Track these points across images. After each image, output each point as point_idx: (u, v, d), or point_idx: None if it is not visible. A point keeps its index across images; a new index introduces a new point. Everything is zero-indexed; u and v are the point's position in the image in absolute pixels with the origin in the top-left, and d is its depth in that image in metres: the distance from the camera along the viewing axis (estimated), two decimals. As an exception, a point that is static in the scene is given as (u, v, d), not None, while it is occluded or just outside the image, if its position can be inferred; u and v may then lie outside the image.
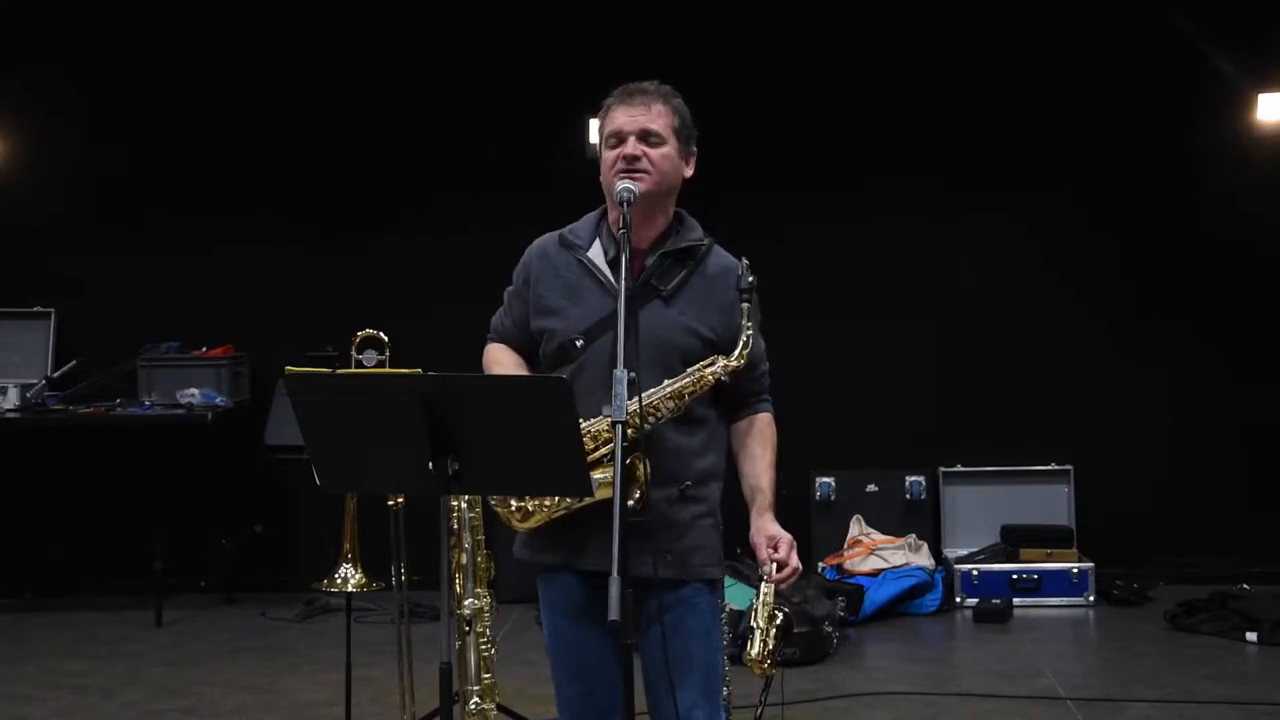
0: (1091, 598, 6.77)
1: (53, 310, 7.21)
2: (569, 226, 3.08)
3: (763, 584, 2.96)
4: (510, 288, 3.14)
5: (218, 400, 6.84)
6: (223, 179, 7.30)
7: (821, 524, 7.08)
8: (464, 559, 3.66)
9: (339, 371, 3.72)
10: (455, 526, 3.66)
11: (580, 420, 2.79)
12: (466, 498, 3.62)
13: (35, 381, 6.92)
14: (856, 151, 7.16)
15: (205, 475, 7.01)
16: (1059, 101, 7.14)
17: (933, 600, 6.71)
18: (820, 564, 6.85)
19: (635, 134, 2.92)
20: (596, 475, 2.76)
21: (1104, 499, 7.05)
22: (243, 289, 7.34)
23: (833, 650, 5.91)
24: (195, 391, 6.82)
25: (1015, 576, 6.79)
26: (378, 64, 7.27)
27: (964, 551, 7.04)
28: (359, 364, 4.80)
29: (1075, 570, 6.80)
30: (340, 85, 7.29)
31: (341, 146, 7.31)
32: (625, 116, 2.94)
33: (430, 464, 2.63)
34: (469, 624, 3.66)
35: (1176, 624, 6.28)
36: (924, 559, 6.86)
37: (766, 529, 2.98)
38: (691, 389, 2.90)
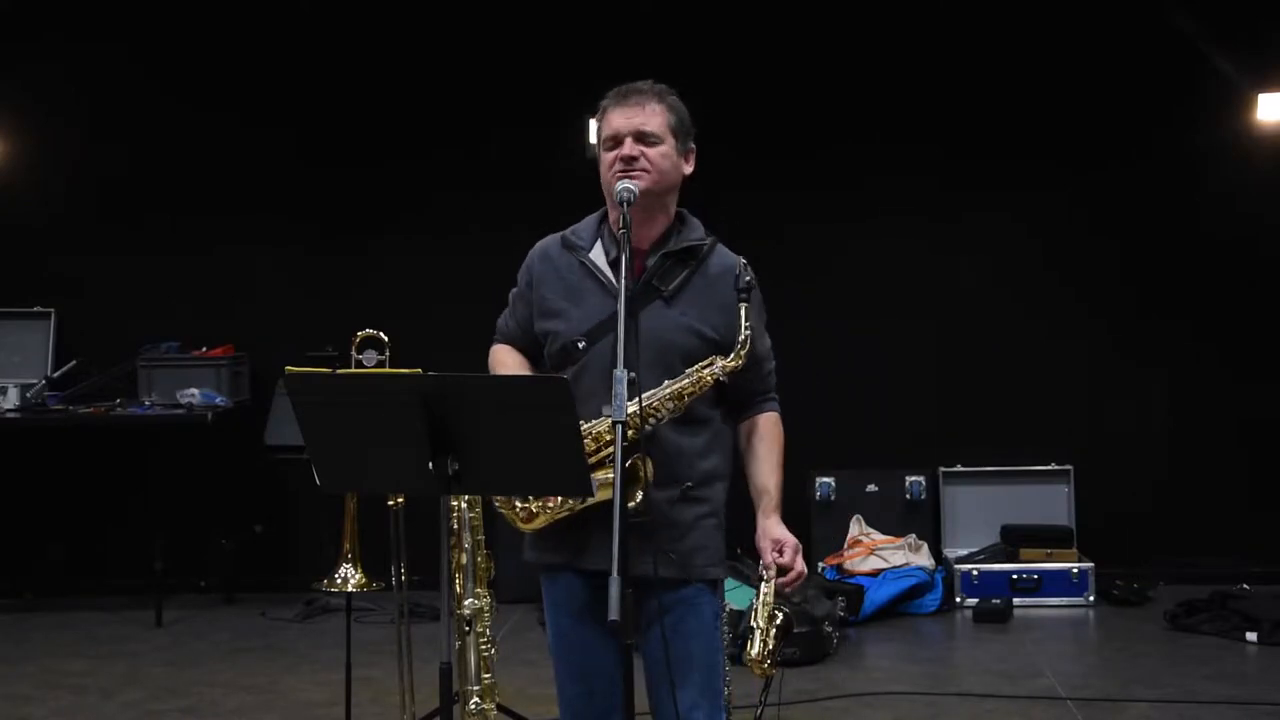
0: (1091, 598, 6.77)
1: (53, 310, 7.22)
2: (571, 228, 3.08)
3: (763, 584, 2.96)
4: (514, 289, 3.14)
5: (218, 400, 6.84)
6: (223, 179, 7.30)
7: (821, 524, 7.08)
8: (464, 559, 3.66)
9: (339, 371, 3.72)
10: (455, 526, 3.66)
11: (582, 421, 2.80)
12: (466, 498, 3.62)
13: (35, 381, 6.92)
14: (856, 151, 7.16)
15: (205, 475, 7.01)
16: (1059, 101, 7.14)
17: (933, 600, 6.71)
18: (820, 564, 6.85)
19: (631, 135, 2.93)
20: (599, 476, 2.76)
21: (1104, 499, 7.05)
22: (243, 289, 7.34)
23: (833, 650, 5.91)
24: (195, 391, 6.82)
25: (1015, 576, 6.79)
26: (378, 64, 7.27)
27: (964, 551, 7.04)
28: (359, 364, 4.80)
29: (1075, 570, 6.80)
30: (340, 85, 7.29)
31: (341, 146, 7.31)
32: (621, 118, 2.95)
33: (430, 464, 2.63)
34: (469, 624, 3.66)
35: (1176, 624, 6.28)
36: (924, 559, 6.86)
37: (771, 531, 2.98)
38: (691, 390, 2.89)
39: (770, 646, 2.95)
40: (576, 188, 3.68)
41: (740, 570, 5.69)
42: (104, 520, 7.25)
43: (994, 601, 6.63)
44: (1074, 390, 7.26)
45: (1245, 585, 6.43)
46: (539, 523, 2.93)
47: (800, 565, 2.97)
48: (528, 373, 3.08)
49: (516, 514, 2.94)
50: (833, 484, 7.16)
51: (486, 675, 3.69)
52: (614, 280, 2.88)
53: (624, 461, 2.61)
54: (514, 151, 7.17)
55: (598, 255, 3.00)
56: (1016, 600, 6.70)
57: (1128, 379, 7.24)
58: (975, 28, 7.10)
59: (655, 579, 2.83)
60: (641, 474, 2.79)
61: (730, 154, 6.28)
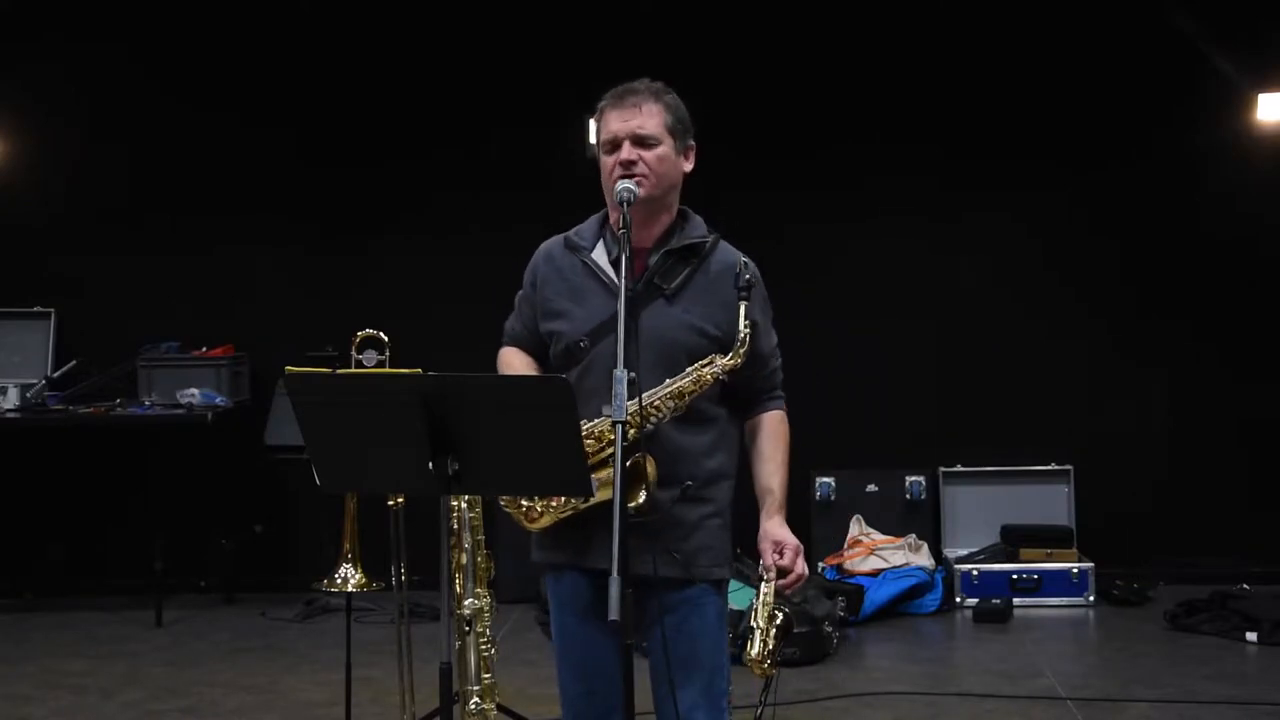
0: (1091, 598, 6.77)
1: (53, 310, 7.21)
2: (575, 229, 3.08)
3: (763, 584, 2.96)
4: (520, 292, 3.15)
5: (218, 400, 6.84)
6: (223, 179, 7.30)
7: (821, 524, 7.08)
8: (464, 559, 3.66)
9: (339, 371, 3.72)
10: (455, 526, 3.66)
11: (586, 421, 2.81)
12: (466, 498, 3.62)
13: (35, 381, 6.92)
14: (856, 151, 7.16)
15: (205, 475, 7.01)
16: (1059, 101, 7.14)
17: (933, 600, 6.71)
18: (820, 564, 6.85)
19: (629, 139, 2.93)
20: (601, 475, 2.76)
21: (1104, 499, 7.05)
22: (243, 289, 7.35)
23: (833, 650, 5.91)
24: (195, 391, 6.82)
25: (1015, 576, 6.79)
26: (378, 64, 7.27)
27: (964, 551, 7.04)
28: (359, 364, 4.80)
29: (1075, 570, 6.80)
30: (340, 85, 7.29)
31: (341, 146, 7.31)
32: (618, 122, 2.95)
33: (430, 464, 2.63)
34: (469, 624, 3.66)
35: (1176, 624, 6.28)
36: (924, 559, 6.86)
37: (773, 533, 2.97)
38: (691, 389, 2.89)
39: (770, 646, 2.95)
40: (576, 188, 3.68)
41: (741, 570, 5.68)
42: (104, 520, 7.25)
43: (994, 601, 6.63)
44: (1074, 390, 7.26)
45: (1245, 585, 6.43)
46: (544, 522, 2.93)
47: (800, 568, 2.96)
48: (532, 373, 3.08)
49: (522, 514, 2.94)
50: (833, 484, 7.16)
51: (486, 675, 3.68)
52: (616, 280, 2.87)
53: (627, 460, 2.62)
54: (514, 151, 7.17)
55: (600, 255, 3.00)
56: (1016, 600, 6.70)
57: (1128, 379, 7.23)
58: (975, 28, 7.10)
59: (659, 579, 2.84)
60: (646, 473, 2.79)
61: (730, 154, 6.28)
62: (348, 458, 2.76)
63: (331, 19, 7.22)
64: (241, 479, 6.98)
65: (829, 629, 5.90)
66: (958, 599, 6.77)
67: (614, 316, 2.77)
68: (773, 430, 3.06)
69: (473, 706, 3.65)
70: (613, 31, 6.90)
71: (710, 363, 2.90)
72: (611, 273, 2.94)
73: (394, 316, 5.52)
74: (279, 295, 7.33)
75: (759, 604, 2.96)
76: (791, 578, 2.95)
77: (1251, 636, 6.03)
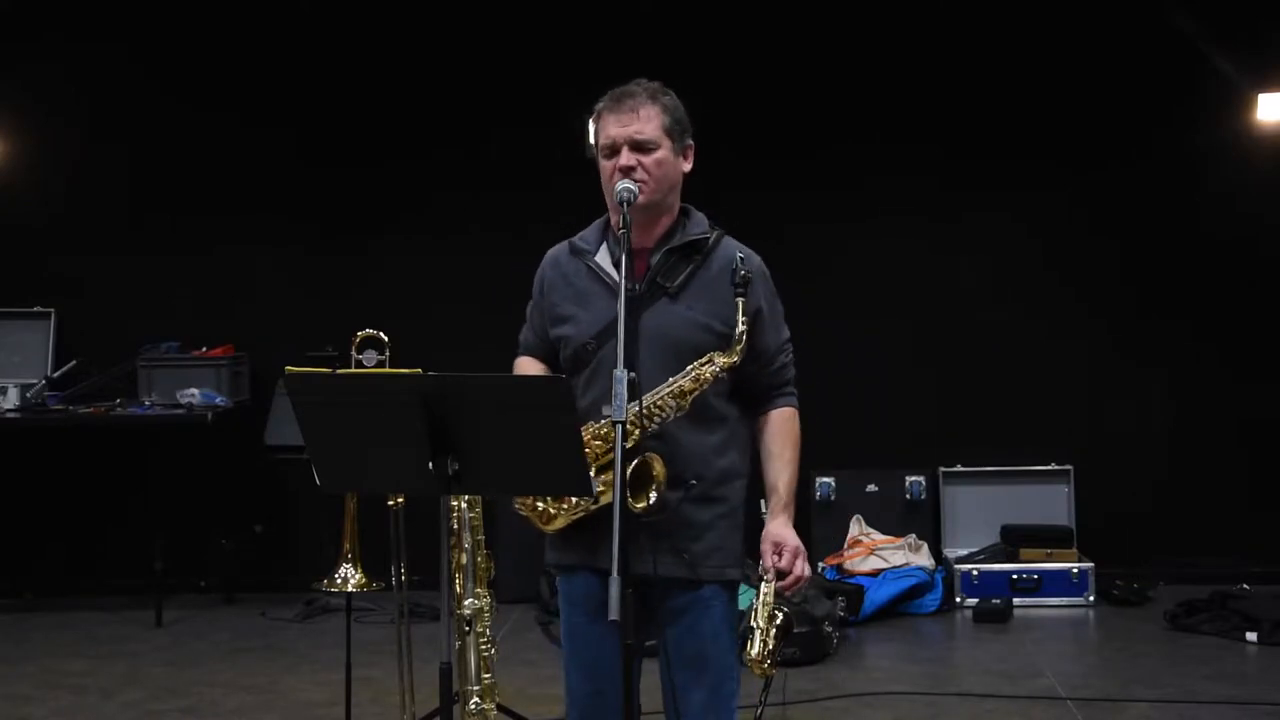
0: (1091, 598, 6.77)
1: (53, 310, 7.22)
2: (580, 234, 3.09)
3: (763, 584, 2.96)
4: (530, 302, 3.15)
5: (218, 400, 6.84)
6: (223, 179, 7.30)
7: (821, 524, 7.08)
8: (464, 559, 3.66)
9: (339, 371, 3.73)
10: (455, 526, 3.66)
11: (594, 423, 2.83)
12: (466, 498, 3.62)
13: (35, 381, 6.92)
14: (856, 151, 7.16)
15: (205, 475, 7.01)
16: (1059, 101, 7.14)
17: (933, 600, 6.71)
18: (820, 564, 6.85)
19: (627, 144, 2.92)
20: (608, 476, 2.75)
21: (1104, 499, 7.05)
22: (243, 289, 7.35)
23: (833, 650, 5.91)
24: (195, 391, 6.82)
25: (1015, 576, 6.79)
26: (378, 64, 7.27)
27: (964, 551, 7.04)
28: (359, 364, 4.80)
29: (1075, 570, 6.80)
30: (340, 85, 7.29)
31: (341, 146, 7.31)
32: (616, 126, 2.94)
33: (430, 464, 2.63)
34: (469, 624, 3.66)
35: (1176, 624, 6.28)
36: (924, 559, 6.86)
37: (774, 533, 2.97)
38: (691, 387, 2.89)
39: (770, 646, 2.95)
40: (576, 188, 3.68)
41: (744, 570, 5.68)
42: (104, 520, 7.25)
43: (994, 601, 6.63)
44: (1074, 390, 7.26)
45: (1245, 585, 6.43)
46: (559, 524, 2.93)
47: (799, 569, 2.95)
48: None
49: (537, 516, 2.94)
50: (833, 484, 7.16)
51: (486, 675, 3.68)
52: (618, 281, 2.88)
53: (636, 460, 2.61)
54: (514, 151, 7.17)
55: (603, 258, 3.00)
56: (1016, 600, 6.70)
57: (1128, 379, 7.23)
58: (975, 28, 7.10)
59: (669, 579, 2.84)
60: (655, 473, 2.79)
61: (730, 154, 6.28)
62: (348, 458, 2.76)
63: (331, 19, 7.22)
64: (241, 479, 6.97)
65: (829, 629, 5.90)
66: (958, 599, 6.77)
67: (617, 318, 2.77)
68: (779, 427, 3.05)
69: (473, 706, 3.65)
70: (613, 31, 6.90)
71: (709, 361, 2.90)
72: (615, 274, 2.94)
73: (394, 316, 5.52)
74: (279, 295, 7.33)
75: (759, 604, 2.96)
76: (790, 579, 2.95)
77: (1251, 636, 6.03)
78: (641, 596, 2.78)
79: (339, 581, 4.45)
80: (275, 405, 5.01)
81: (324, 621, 6.66)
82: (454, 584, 3.64)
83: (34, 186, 7.34)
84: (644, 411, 2.80)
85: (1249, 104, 7.07)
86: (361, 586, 4.46)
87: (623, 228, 2.83)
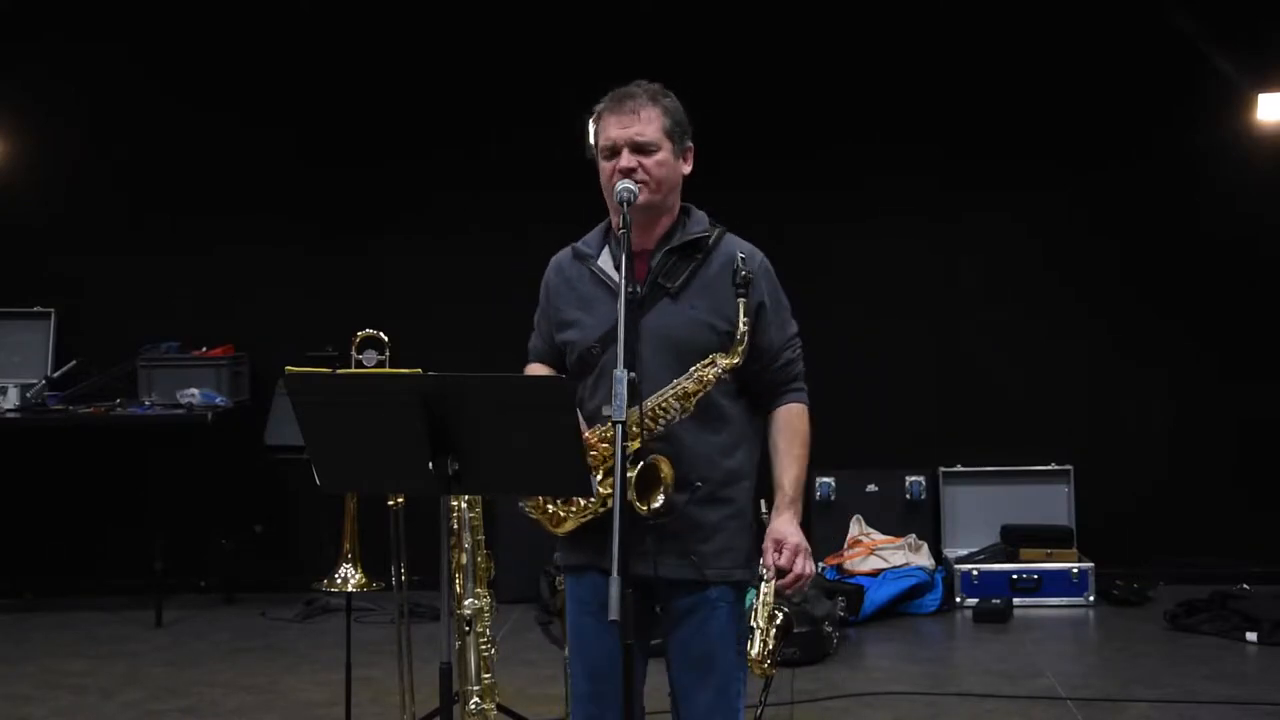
0: (1091, 598, 6.77)
1: (53, 310, 7.22)
2: (582, 239, 3.09)
3: (763, 584, 2.95)
4: (537, 310, 3.16)
5: (218, 400, 6.84)
6: (223, 179, 7.30)
7: (821, 524, 7.07)
8: (464, 559, 3.66)
9: (339, 371, 3.73)
10: (455, 526, 3.67)
11: (599, 426, 2.83)
12: (466, 498, 3.62)
13: (35, 381, 6.92)
14: (856, 151, 7.16)
15: (205, 475, 7.01)
16: (1059, 101, 7.14)
17: (933, 600, 6.71)
18: (820, 564, 6.84)
19: (628, 146, 2.92)
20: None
21: (1104, 499, 7.05)
22: (243, 289, 7.35)
23: (833, 650, 5.91)
24: (195, 391, 6.82)
25: (1015, 576, 6.79)
26: (378, 64, 7.27)
27: (964, 551, 7.04)
28: (359, 364, 4.80)
29: (1075, 570, 6.79)
30: (340, 85, 7.29)
31: (341, 146, 7.31)
32: (617, 128, 2.94)
33: (430, 464, 2.63)
34: (469, 624, 3.66)
35: (1176, 624, 6.28)
36: (924, 559, 6.86)
37: (776, 530, 2.96)
38: (694, 389, 2.88)
39: (770, 646, 2.95)
40: (576, 188, 3.68)
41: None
42: (104, 520, 7.24)
43: (994, 601, 6.63)
44: (1074, 390, 7.26)
45: (1245, 585, 6.43)
46: (569, 526, 2.93)
47: (799, 568, 2.93)
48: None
49: (547, 519, 2.94)
50: (833, 484, 7.16)
51: (486, 675, 3.69)
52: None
53: (643, 463, 2.60)
54: (514, 151, 7.17)
55: (605, 262, 3.01)
56: (1016, 600, 6.70)
57: (1128, 379, 7.23)
58: (975, 28, 7.10)
59: (678, 580, 2.85)
60: (662, 474, 2.79)
61: (730, 154, 6.27)
62: (348, 458, 2.76)
63: (331, 19, 7.22)
64: (241, 479, 6.97)
65: (829, 629, 5.90)
66: (958, 599, 6.77)
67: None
68: (786, 424, 3.03)
69: (473, 706, 3.65)
70: (613, 31, 6.90)
71: (711, 363, 2.89)
72: (617, 277, 2.93)
73: (394, 316, 5.52)
74: (279, 295, 7.33)
75: (759, 604, 2.95)
76: (790, 578, 2.93)
77: (1251, 636, 6.03)
78: (646, 597, 2.78)
79: (339, 581, 4.45)
80: (275, 405, 5.01)
81: (324, 621, 6.66)
82: (454, 584, 3.64)
83: (34, 186, 7.34)
84: (647, 414, 2.79)
85: (1249, 104, 7.07)
86: (361, 586, 4.46)
87: (622, 228, 2.83)
